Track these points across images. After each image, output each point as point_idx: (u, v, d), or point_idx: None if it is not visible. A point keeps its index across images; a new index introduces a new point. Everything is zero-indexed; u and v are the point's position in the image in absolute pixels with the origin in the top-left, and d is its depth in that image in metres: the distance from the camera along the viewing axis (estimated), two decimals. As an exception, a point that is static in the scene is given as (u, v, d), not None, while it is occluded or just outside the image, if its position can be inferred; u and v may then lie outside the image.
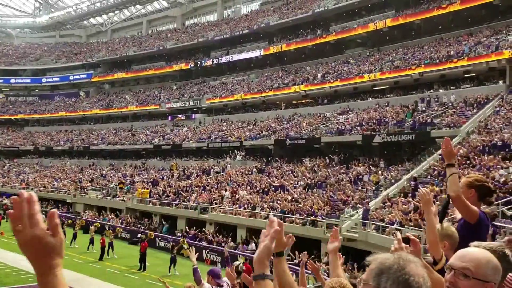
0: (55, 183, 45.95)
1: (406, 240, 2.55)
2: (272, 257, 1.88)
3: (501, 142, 20.72)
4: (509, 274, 2.53)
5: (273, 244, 1.76)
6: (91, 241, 26.16)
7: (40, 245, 1.21)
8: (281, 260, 2.15)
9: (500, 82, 29.93)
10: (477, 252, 1.76)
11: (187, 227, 28.95)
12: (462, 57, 31.35)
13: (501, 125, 22.85)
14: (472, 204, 3.20)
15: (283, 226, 1.90)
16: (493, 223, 8.52)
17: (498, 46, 30.29)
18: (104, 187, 41.44)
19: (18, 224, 1.20)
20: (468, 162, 20.21)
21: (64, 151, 56.76)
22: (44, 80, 71.47)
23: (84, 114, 62.92)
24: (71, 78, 69.21)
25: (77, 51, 73.47)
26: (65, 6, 79.16)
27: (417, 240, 2.64)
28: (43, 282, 1.22)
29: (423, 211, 3.96)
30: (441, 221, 3.27)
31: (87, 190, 41.56)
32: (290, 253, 21.66)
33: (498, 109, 25.61)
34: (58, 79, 70.45)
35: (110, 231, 27.05)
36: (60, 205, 40.81)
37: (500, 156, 19.47)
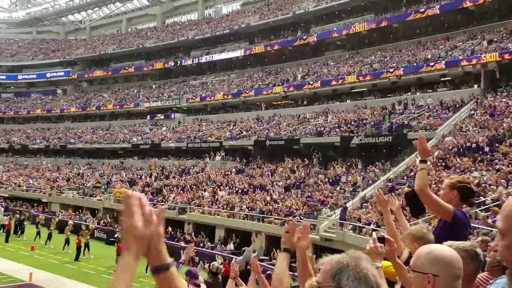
0: (30, 182, 45.04)
1: (382, 239, 2.60)
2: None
3: (475, 145, 21.19)
4: (482, 274, 2.60)
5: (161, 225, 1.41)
6: (67, 241, 25.69)
7: (130, 231, 1.36)
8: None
9: (475, 86, 30.61)
10: (425, 247, 1.78)
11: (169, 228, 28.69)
12: (438, 61, 31.96)
13: (475, 128, 23.37)
14: (455, 205, 3.22)
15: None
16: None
17: (473, 50, 31.00)
18: (80, 186, 40.81)
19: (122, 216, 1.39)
20: (444, 164, 20.60)
21: (40, 150, 55.60)
22: (20, 77, 69.80)
23: (61, 112, 61.79)
24: (48, 75, 67.86)
25: (55, 48, 72.09)
26: (42, 2, 77.69)
27: (392, 240, 2.69)
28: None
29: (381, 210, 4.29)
30: (415, 213, 3.41)
31: (63, 190, 40.88)
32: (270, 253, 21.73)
33: (472, 112, 26.19)
34: (34, 76, 69.04)
35: (86, 231, 26.67)
36: (35, 204, 40.06)
37: (472, 159, 19.89)
